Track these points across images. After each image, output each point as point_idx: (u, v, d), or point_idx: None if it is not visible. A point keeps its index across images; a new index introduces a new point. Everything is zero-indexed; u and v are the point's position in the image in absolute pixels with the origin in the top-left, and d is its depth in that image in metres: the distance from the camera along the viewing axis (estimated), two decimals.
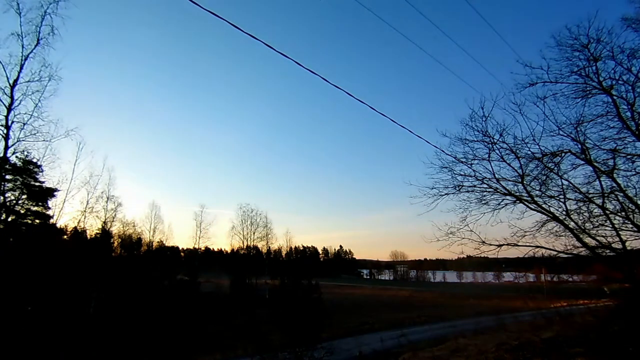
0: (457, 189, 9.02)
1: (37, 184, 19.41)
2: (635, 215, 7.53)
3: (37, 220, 20.11)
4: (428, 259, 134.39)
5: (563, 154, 8.12)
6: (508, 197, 8.69)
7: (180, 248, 62.73)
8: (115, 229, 31.16)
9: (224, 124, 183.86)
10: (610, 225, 7.73)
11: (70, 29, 52.32)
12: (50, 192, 19.84)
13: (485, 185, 8.89)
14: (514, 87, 8.56)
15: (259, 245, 48.56)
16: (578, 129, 7.93)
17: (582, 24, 7.45)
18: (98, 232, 28.14)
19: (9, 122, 14.77)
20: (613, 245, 7.75)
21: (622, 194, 7.60)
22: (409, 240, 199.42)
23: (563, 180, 8.28)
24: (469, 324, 19.08)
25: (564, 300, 26.12)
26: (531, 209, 8.49)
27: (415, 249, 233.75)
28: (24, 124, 15.02)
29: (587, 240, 7.95)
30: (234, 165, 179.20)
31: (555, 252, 8.31)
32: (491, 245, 8.60)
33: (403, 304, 38.21)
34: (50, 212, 20.37)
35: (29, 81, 15.01)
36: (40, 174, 18.93)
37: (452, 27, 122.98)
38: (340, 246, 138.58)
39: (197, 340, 20.69)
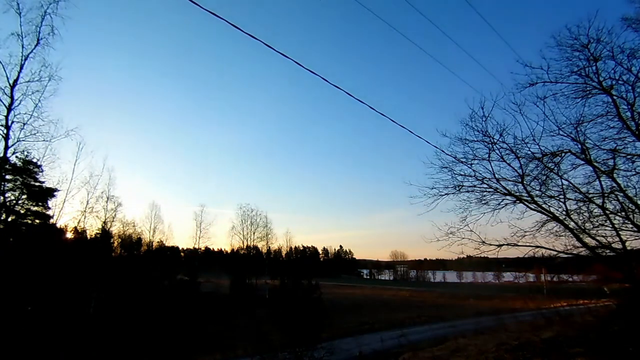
0: (457, 189, 9.03)
1: (37, 184, 19.41)
2: (635, 215, 7.53)
3: (37, 220, 20.11)
4: (428, 259, 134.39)
5: (563, 154, 8.13)
6: (508, 197, 8.69)
7: (180, 248, 62.73)
8: (115, 229, 31.22)
9: (224, 124, 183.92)
10: (610, 225, 7.74)
11: (70, 29, 52.34)
12: (50, 192, 19.85)
13: (485, 185, 8.90)
14: (514, 87, 8.58)
15: (259, 245, 48.65)
16: (578, 129, 7.94)
17: (582, 24, 7.46)
18: (98, 232, 28.17)
19: (9, 122, 14.80)
20: (613, 245, 7.75)
21: (622, 194, 7.61)
22: (409, 240, 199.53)
23: (563, 180, 8.29)
24: (469, 324, 19.08)
25: (564, 300, 26.14)
26: (531, 209, 8.49)
27: (415, 249, 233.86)
28: (24, 124, 15.07)
29: (587, 240, 7.95)
30: (234, 165, 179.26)
31: (555, 252, 8.31)
32: (491, 245, 8.62)
33: (403, 304, 38.21)
34: (50, 212, 20.40)
35: (29, 81, 15.05)
36: (40, 174, 18.95)
37: (452, 27, 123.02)
38: (340, 246, 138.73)
39: (197, 340, 20.68)
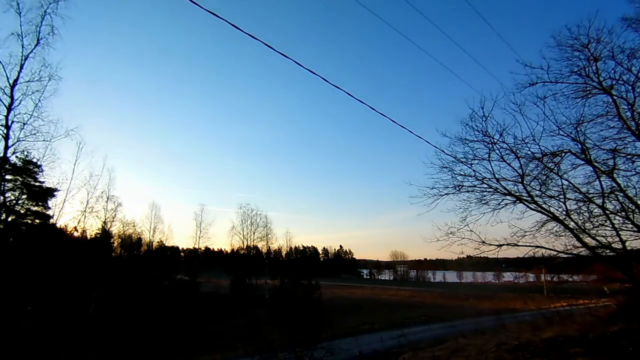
0: (457, 189, 9.04)
1: (37, 184, 19.42)
2: (635, 215, 7.54)
3: (37, 220, 20.12)
4: (428, 259, 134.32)
5: (563, 154, 8.14)
6: (508, 197, 8.70)
7: (180, 248, 62.75)
8: (115, 229, 31.28)
9: (224, 124, 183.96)
10: (610, 225, 7.74)
11: (71, 29, 52.34)
12: (50, 192, 19.86)
13: (485, 185, 8.91)
14: (514, 87, 8.61)
15: (259, 245, 48.71)
16: (578, 129, 7.95)
17: (583, 23, 7.48)
18: (98, 232, 28.18)
19: (9, 122, 14.80)
20: (613, 245, 7.76)
21: (622, 194, 7.61)
22: (409, 240, 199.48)
23: (563, 180, 8.30)
24: (469, 324, 19.05)
25: (564, 300, 26.09)
26: (531, 209, 8.50)
27: (415, 249, 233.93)
28: (24, 124, 15.08)
29: (587, 240, 7.96)
30: (234, 164, 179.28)
31: (555, 252, 8.32)
32: (491, 245, 8.63)
33: (403, 304, 38.18)
34: (50, 212, 20.42)
35: (29, 81, 15.06)
36: (40, 174, 18.97)
37: (452, 27, 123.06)
38: (340, 246, 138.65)
39: (197, 340, 20.68)
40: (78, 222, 24.34)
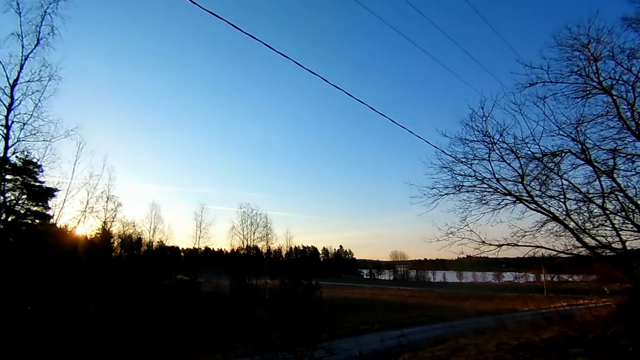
0: (457, 189, 9.04)
1: (37, 184, 19.42)
2: (635, 215, 7.54)
3: (37, 220, 20.11)
4: (428, 259, 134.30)
5: (563, 154, 8.14)
6: (508, 197, 8.71)
7: (180, 248, 62.79)
8: (115, 229, 31.26)
9: (224, 124, 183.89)
10: (610, 225, 7.75)
11: (71, 29, 52.31)
12: (50, 192, 19.86)
13: (485, 185, 8.91)
14: (514, 87, 8.63)
15: (259, 245, 48.67)
16: (578, 129, 7.96)
17: (583, 23, 7.50)
18: (98, 232, 28.19)
19: (9, 122, 14.82)
20: (613, 245, 7.77)
21: (622, 194, 7.62)
22: (409, 240, 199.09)
23: (563, 180, 8.31)
24: (469, 324, 19.05)
25: (564, 300, 26.09)
26: (531, 209, 8.51)
27: (415, 249, 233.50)
28: (24, 124, 15.09)
29: (587, 240, 7.97)
30: (234, 164, 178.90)
31: (555, 252, 8.33)
32: (491, 245, 8.64)
33: (403, 304, 38.19)
34: (50, 212, 20.41)
35: (29, 81, 15.07)
36: (40, 174, 18.97)
37: (452, 27, 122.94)
38: (340, 246, 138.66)
39: (197, 340, 20.68)
40: (78, 222, 24.37)
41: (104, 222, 28.06)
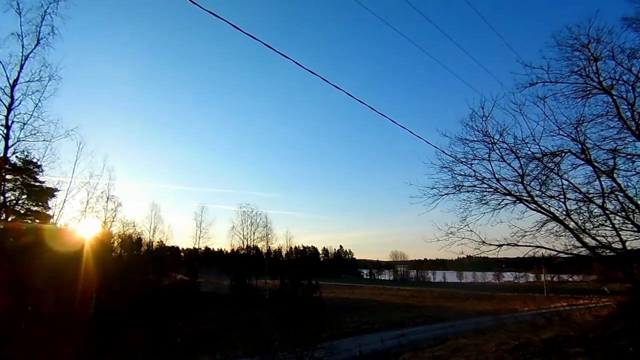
0: (457, 189, 9.04)
1: (37, 184, 19.41)
2: (635, 215, 7.54)
3: (37, 220, 20.10)
4: (428, 259, 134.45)
5: (563, 154, 8.14)
6: (508, 197, 8.70)
7: (180, 248, 62.79)
8: (115, 229, 31.27)
9: (224, 123, 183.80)
10: (610, 225, 7.75)
11: (71, 29, 52.21)
12: (50, 192, 19.85)
13: (485, 185, 8.91)
14: (514, 87, 8.63)
15: (259, 245, 48.69)
16: (578, 129, 7.96)
17: (583, 23, 7.50)
18: (98, 232, 28.19)
19: (9, 122, 14.78)
20: (613, 245, 7.77)
21: (622, 194, 7.62)
22: (409, 240, 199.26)
23: (563, 180, 8.31)
24: (469, 324, 19.07)
25: (564, 300, 26.09)
26: (531, 209, 8.50)
27: (415, 249, 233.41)
28: (24, 124, 15.04)
29: (587, 240, 7.97)
30: (234, 164, 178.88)
31: (555, 252, 8.32)
32: (491, 245, 8.63)
33: (403, 304, 38.18)
34: (50, 212, 20.38)
35: (29, 81, 15.01)
36: (40, 174, 18.95)
37: (452, 27, 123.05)
38: (340, 246, 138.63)
39: (197, 340, 20.68)
40: (78, 222, 24.35)
41: (104, 222, 28.10)
